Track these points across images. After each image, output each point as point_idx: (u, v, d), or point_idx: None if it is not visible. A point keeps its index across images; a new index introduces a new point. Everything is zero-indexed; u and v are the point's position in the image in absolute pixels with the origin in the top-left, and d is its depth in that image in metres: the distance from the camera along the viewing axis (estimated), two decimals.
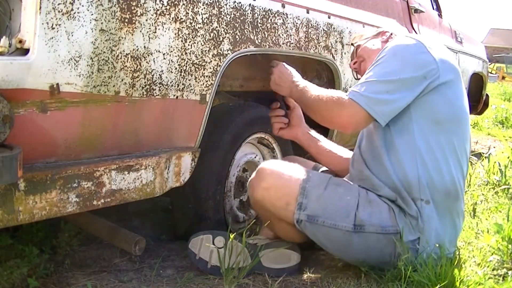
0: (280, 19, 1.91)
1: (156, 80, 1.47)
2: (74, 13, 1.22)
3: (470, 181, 2.98)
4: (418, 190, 1.63)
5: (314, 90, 1.79)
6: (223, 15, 1.65)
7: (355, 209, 1.63)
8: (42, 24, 1.16)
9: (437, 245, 1.62)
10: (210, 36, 1.61)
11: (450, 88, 1.66)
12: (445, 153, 1.65)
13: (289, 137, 2.08)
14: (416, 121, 1.65)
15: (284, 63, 1.97)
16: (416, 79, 1.61)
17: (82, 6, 1.23)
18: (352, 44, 2.01)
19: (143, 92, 1.45)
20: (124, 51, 1.36)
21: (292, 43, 2.00)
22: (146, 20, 1.40)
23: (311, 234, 1.68)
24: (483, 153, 3.89)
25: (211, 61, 1.63)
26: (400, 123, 1.67)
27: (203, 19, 1.57)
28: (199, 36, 1.57)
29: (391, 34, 1.93)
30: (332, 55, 2.27)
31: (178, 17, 1.49)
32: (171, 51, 1.49)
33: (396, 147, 1.67)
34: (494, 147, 5.36)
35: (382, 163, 1.69)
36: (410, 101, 1.63)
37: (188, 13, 1.52)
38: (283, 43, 1.94)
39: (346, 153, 2.06)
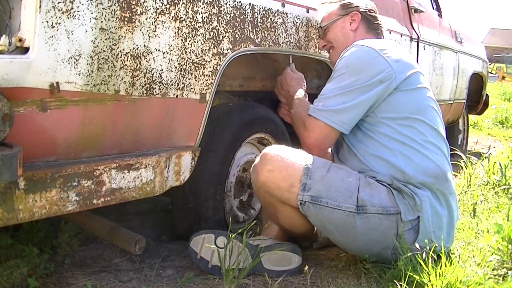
0: (280, 18, 1.91)
1: (156, 79, 1.47)
2: (74, 11, 1.22)
3: (470, 181, 2.99)
4: (405, 179, 1.70)
5: (298, 105, 1.90)
6: (223, 14, 1.64)
7: (357, 190, 1.66)
8: (42, 22, 1.16)
9: (436, 245, 1.63)
10: (210, 35, 1.61)
11: (409, 83, 1.75)
12: (420, 142, 1.73)
13: (287, 120, 2.15)
14: (385, 124, 1.73)
15: (289, 71, 2.05)
16: (371, 85, 1.70)
17: (82, 4, 1.23)
18: (320, 26, 2.02)
19: (143, 91, 1.44)
20: (124, 50, 1.36)
21: (292, 43, 2.00)
22: (146, 19, 1.40)
23: (314, 217, 1.69)
24: (483, 153, 3.89)
25: (211, 60, 1.63)
26: (370, 129, 1.76)
27: (203, 18, 1.57)
28: (199, 35, 1.57)
29: (360, 19, 1.93)
30: None
31: (178, 16, 1.49)
32: (171, 50, 1.49)
33: (371, 153, 1.75)
34: (494, 147, 5.36)
35: (362, 163, 1.76)
36: (370, 104, 1.72)
37: (188, 12, 1.52)
38: (283, 43, 1.94)
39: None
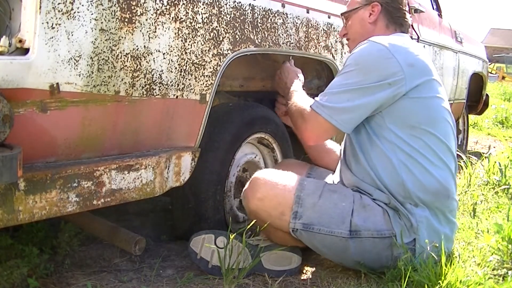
0: (280, 19, 1.91)
1: (156, 80, 1.47)
2: (74, 12, 1.22)
3: (470, 181, 2.99)
4: (404, 195, 1.64)
5: (296, 98, 1.85)
6: (223, 15, 1.65)
7: (350, 215, 1.63)
8: (42, 23, 1.16)
9: (436, 244, 1.63)
10: (210, 35, 1.61)
11: (421, 91, 1.65)
12: (426, 155, 1.65)
13: (288, 123, 2.15)
14: (391, 130, 1.65)
15: (287, 64, 2.03)
16: (379, 86, 1.61)
17: (82, 5, 1.23)
18: (342, 13, 1.92)
19: (143, 92, 1.44)
20: (124, 50, 1.36)
21: (292, 43, 2.00)
22: (146, 19, 1.40)
23: (308, 241, 1.68)
24: (483, 153, 3.89)
25: (211, 60, 1.63)
26: (376, 132, 1.69)
27: (203, 18, 1.57)
28: (199, 35, 1.57)
29: (380, 11, 1.81)
30: (332, 55, 2.27)
31: (178, 17, 1.49)
32: (171, 51, 1.49)
33: (374, 156, 1.68)
34: (494, 147, 5.36)
35: (365, 169, 1.71)
36: (375, 107, 1.64)
37: (188, 13, 1.52)
38: (283, 43, 1.94)
39: (337, 149, 2.11)
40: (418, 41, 3.20)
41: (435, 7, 3.94)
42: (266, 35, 1.84)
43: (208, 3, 1.58)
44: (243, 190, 1.76)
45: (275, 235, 1.77)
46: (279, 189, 1.68)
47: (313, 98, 1.77)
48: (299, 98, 1.84)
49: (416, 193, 1.63)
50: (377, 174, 1.68)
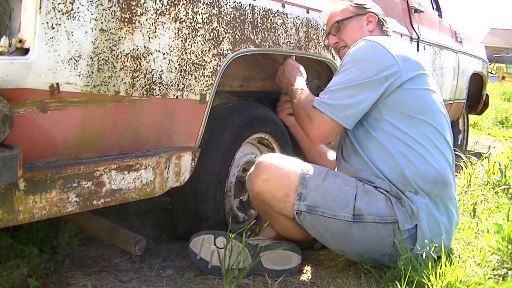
0: (280, 19, 1.91)
1: (156, 80, 1.47)
2: (74, 12, 1.22)
3: (470, 181, 2.99)
4: (403, 183, 1.67)
5: (301, 96, 1.86)
6: (223, 15, 1.65)
7: (353, 199, 1.65)
8: (42, 23, 1.16)
9: (436, 244, 1.63)
10: (210, 36, 1.61)
11: (415, 83, 1.71)
12: (423, 144, 1.69)
13: (287, 123, 2.19)
14: (387, 121, 1.70)
15: (291, 61, 2.03)
16: (378, 80, 1.67)
17: (82, 5, 1.23)
18: (337, 22, 1.92)
19: (143, 92, 1.45)
20: (124, 50, 1.36)
21: (292, 43, 2.00)
22: (146, 19, 1.40)
23: (311, 226, 1.68)
24: (483, 153, 3.89)
25: (211, 61, 1.63)
26: (372, 125, 1.73)
27: (203, 19, 1.57)
28: (199, 35, 1.57)
29: (377, 20, 1.91)
30: (332, 55, 2.27)
31: (178, 17, 1.49)
32: (171, 51, 1.49)
33: (372, 148, 1.72)
34: (494, 147, 5.36)
35: (364, 161, 1.74)
36: (374, 101, 1.69)
37: (188, 13, 1.52)
38: (283, 43, 1.94)
39: (334, 155, 2.13)
40: (418, 41, 3.20)
41: (435, 7, 3.94)
42: (266, 35, 1.84)
43: (208, 3, 1.58)
44: (248, 173, 1.78)
45: (278, 222, 1.77)
46: (284, 170, 1.70)
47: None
48: (304, 97, 1.85)
49: (416, 181, 1.66)
50: (375, 165, 1.71)
